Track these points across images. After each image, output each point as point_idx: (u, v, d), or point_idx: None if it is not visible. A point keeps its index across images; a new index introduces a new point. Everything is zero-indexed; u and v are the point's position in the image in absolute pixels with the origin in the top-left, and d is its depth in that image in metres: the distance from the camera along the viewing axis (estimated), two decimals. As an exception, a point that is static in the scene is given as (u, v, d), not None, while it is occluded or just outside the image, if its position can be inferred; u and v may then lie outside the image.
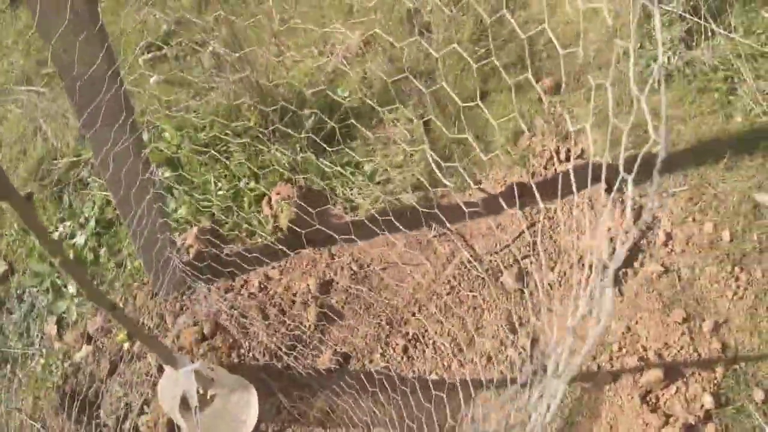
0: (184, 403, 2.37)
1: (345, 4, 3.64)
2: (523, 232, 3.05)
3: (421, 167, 3.19)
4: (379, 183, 3.21)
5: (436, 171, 3.03)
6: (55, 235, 3.23)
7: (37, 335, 3.06)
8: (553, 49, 3.51)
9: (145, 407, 2.81)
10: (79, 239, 3.20)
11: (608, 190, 3.12)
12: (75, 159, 3.37)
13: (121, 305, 3.04)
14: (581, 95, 3.39)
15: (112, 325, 3.02)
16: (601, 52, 3.45)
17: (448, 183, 3.05)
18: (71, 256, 3.17)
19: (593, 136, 3.27)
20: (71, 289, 3.11)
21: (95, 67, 2.05)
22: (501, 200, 3.16)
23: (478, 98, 3.42)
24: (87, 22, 1.98)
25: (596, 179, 3.17)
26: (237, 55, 2.98)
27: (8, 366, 3.03)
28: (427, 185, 3.10)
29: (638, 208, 3.09)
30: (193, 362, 2.76)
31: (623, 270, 3.02)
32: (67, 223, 3.26)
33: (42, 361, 2.98)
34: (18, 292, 3.18)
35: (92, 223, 3.22)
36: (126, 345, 2.79)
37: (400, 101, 3.26)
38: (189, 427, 2.46)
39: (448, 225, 3.07)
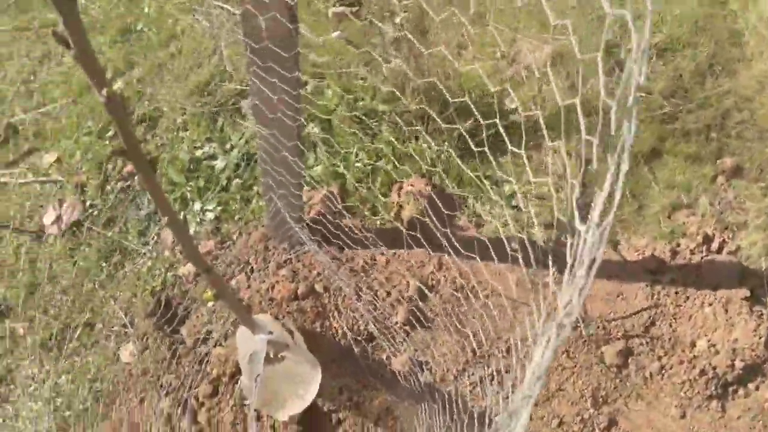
0: (251, 363, 2.42)
1: (542, 16, 3.48)
2: (643, 309, 2.85)
3: (564, 207, 3.03)
4: (514, 208, 3.09)
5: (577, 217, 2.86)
6: (199, 153, 3.36)
7: (153, 238, 3.22)
8: (746, 130, 3.21)
9: (222, 341, 2.90)
10: (219, 163, 3.31)
11: (749, 299, 2.85)
12: (242, 88, 3.46)
13: (234, 239, 3.14)
14: (758, 188, 3.09)
15: (221, 253, 3.13)
16: (799, 150, 3.12)
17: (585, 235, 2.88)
18: (208, 175, 3.30)
19: (755, 237, 2.98)
20: (197, 206, 3.23)
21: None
22: (633, 269, 2.96)
23: (650, 157, 3.20)
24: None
25: (741, 283, 2.90)
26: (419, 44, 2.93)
27: (120, 256, 3.21)
28: (563, 226, 2.95)
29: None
30: (277, 318, 2.82)
31: (734, 387, 2.77)
32: (213, 144, 3.37)
33: (149, 263, 3.14)
34: (151, 191, 3.34)
35: (236, 152, 3.31)
36: (210, 304, 2.88)
37: (567, 132, 3.10)
38: (248, 386, 2.51)
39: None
